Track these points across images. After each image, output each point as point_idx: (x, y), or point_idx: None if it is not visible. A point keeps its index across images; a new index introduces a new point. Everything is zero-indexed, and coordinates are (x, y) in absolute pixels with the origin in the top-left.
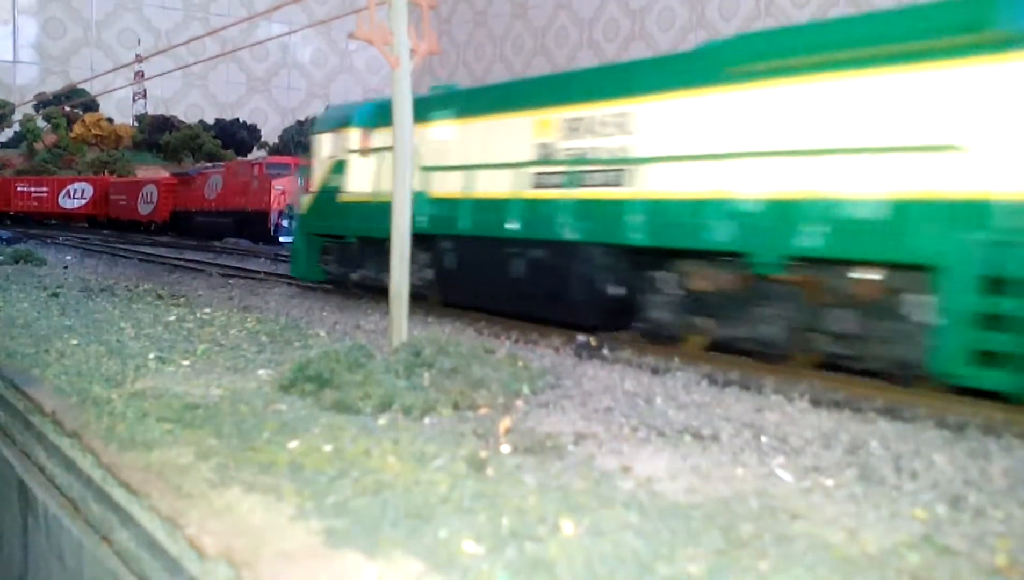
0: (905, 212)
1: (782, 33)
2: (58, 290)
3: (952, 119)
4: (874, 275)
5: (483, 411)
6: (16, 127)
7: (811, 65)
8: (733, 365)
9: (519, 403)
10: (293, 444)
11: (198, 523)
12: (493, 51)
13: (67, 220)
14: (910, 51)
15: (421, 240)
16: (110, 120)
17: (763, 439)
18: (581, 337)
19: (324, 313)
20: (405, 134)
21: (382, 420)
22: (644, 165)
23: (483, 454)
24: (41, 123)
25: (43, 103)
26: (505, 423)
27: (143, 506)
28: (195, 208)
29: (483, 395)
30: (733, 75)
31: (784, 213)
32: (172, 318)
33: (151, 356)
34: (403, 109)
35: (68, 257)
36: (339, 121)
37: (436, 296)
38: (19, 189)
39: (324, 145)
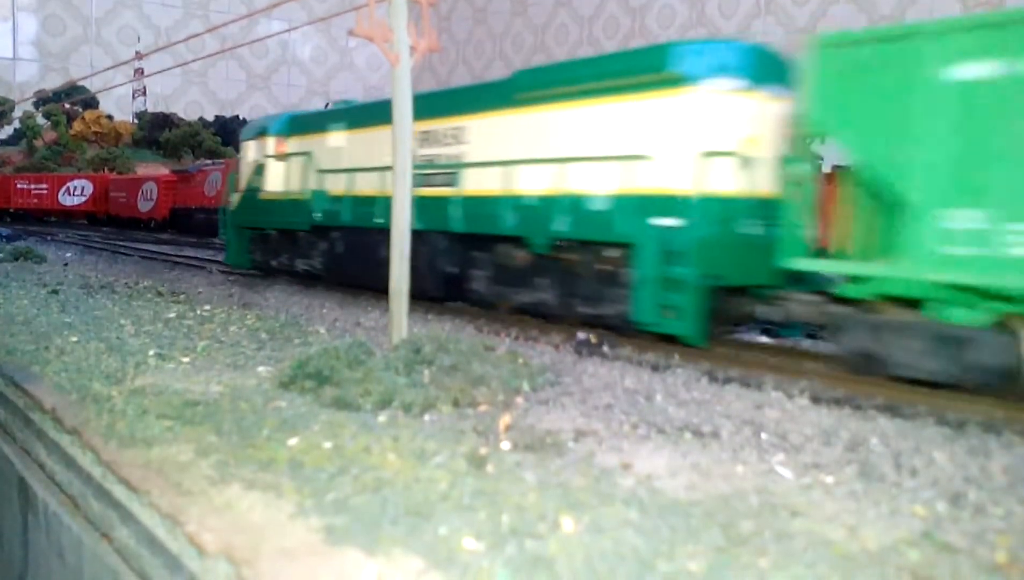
0: (616, 204)
1: (546, 69)
2: (58, 287)
3: (643, 136)
4: (607, 252)
5: (483, 408)
6: (16, 124)
7: (562, 95)
8: (733, 362)
9: (519, 400)
10: (293, 441)
11: (198, 520)
12: (493, 48)
13: (67, 217)
14: (617, 86)
15: (317, 231)
16: (110, 117)
17: (763, 436)
18: (581, 334)
19: (324, 310)
20: (405, 133)
21: (382, 417)
22: (466, 169)
23: (483, 451)
24: (41, 120)
25: (43, 100)
26: (505, 420)
27: (143, 503)
28: (195, 205)
29: (483, 392)
30: (518, 100)
31: (548, 206)
32: (172, 315)
33: (151, 353)
34: (403, 107)
35: (68, 254)
36: (259, 130)
37: (328, 278)
38: (19, 186)
39: (248, 151)
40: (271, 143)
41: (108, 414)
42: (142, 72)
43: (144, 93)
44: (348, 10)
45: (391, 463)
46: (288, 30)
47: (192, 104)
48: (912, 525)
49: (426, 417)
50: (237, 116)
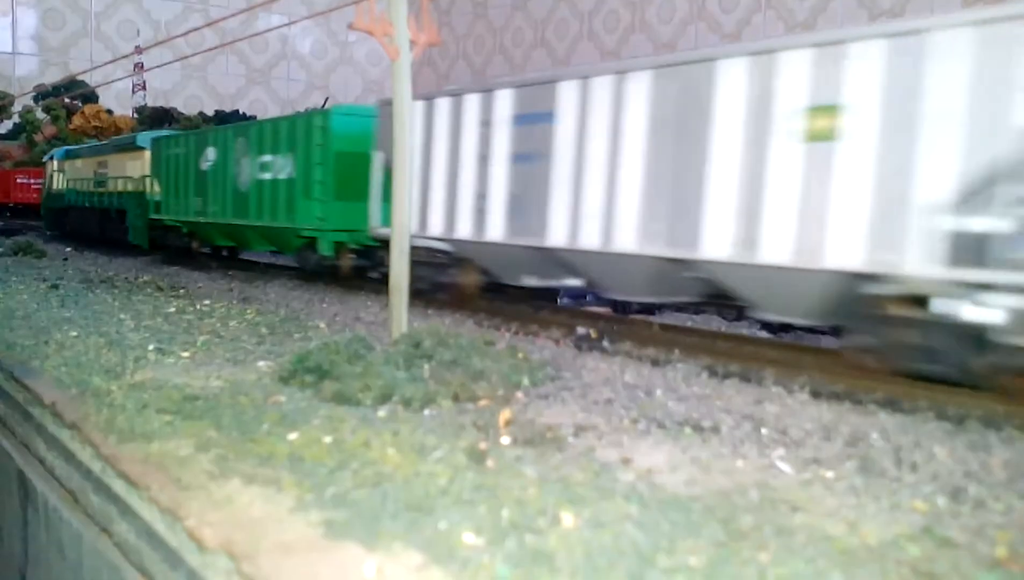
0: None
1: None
2: (58, 282)
3: (135, 169)
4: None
5: (483, 403)
6: (15, 119)
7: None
8: (733, 357)
9: (519, 395)
10: (293, 436)
11: (198, 515)
12: (493, 43)
13: None
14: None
15: (69, 208)
16: (110, 112)
17: (763, 431)
18: (581, 329)
19: (324, 304)
20: (405, 129)
21: (382, 412)
22: (108, 180)
23: (483, 446)
24: (40, 114)
25: (42, 94)
26: (505, 415)
27: (143, 498)
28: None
29: (483, 387)
30: (120, 149)
31: (118, 196)
32: (172, 310)
33: (151, 348)
34: (403, 102)
35: (68, 249)
36: (50, 156)
37: (72, 230)
38: (19, 181)
39: (48, 166)
40: (56, 163)
41: (108, 409)
42: (142, 66)
43: (144, 87)
44: (348, 3)
45: (391, 458)
46: (288, 24)
47: (192, 99)
48: (912, 520)
49: (426, 412)
50: (237, 111)
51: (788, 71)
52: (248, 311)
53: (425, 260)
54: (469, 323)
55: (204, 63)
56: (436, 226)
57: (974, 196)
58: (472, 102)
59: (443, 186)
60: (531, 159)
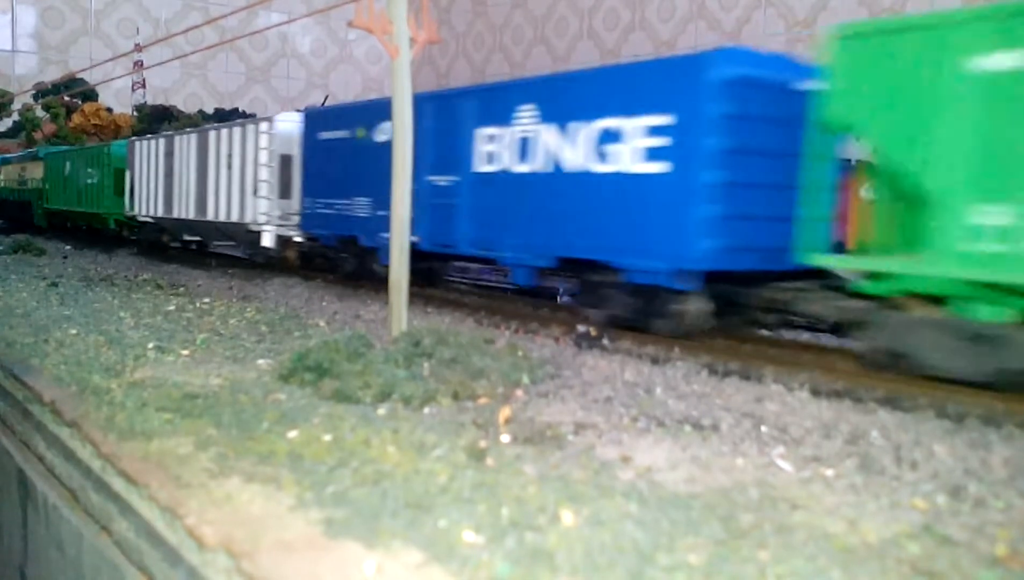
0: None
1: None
2: (57, 280)
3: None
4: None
5: (483, 401)
6: (15, 117)
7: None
8: (733, 355)
9: (519, 393)
10: (292, 434)
11: (197, 513)
12: (493, 41)
13: None
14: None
15: (3, 202)
16: (109, 110)
17: (763, 429)
18: (581, 327)
19: (324, 303)
20: (405, 126)
21: (382, 410)
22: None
23: (483, 444)
24: (40, 113)
25: (42, 92)
26: (505, 413)
27: (142, 496)
28: None
29: (483, 385)
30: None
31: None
32: (171, 308)
33: (150, 346)
34: (403, 99)
35: (67, 246)
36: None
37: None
38: None
39: None
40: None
41: (107, 407)
42: (141, 64)
43: (143, 86)
44: (348, 1)
45: (391, 456)
46: (287, 22)
47: (192, 97)
48: (912, 518)
49: (426, 410)
50: (237, 109)
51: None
52: (248, 309)
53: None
54: (469, 321)
55: (204, 61)
56: (152, 209)
57: None
58: (155, 141)
59: (153, 188)
60: (172, 174)
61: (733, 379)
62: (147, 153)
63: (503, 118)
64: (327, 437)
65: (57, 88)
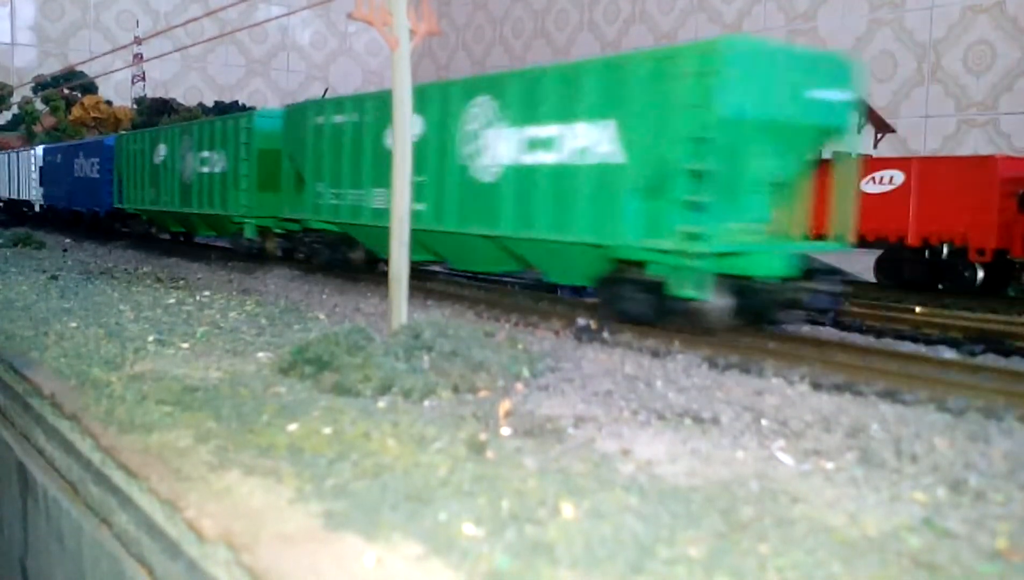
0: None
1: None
2: (57, 273)
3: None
4: None
5: (483, 394)
6: (14, 109)
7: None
8: (733, 348)
9: (519, 386)
10: (292, 427)
11: (197, 506)
12: (493, 33)
13: None
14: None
15: None
16: (109, 103)
17: (763, 422)
18: (581, 320)
19: (324, 296)
20: (404, 119)
21: (382, 403)
22: None
23: (483, 437)
24: (39, 105)
25: (41, 85)
26: (505, 406)
27: (142, 489)
28: None
29: (483, 378)
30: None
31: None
32: (171, 301)
33: (150, 339)
34: (403, 91)
35: (67, 240)
36: None
37: None
38: None
39: None
40: None
41: (107, 400)
42: (141, 57)
43: (143, 78)
44: None
45: (391, 449)
46: (287, 14)
47: (191, 89)
48: (912, 511)
49: (426, 403)
50: (236, 101)
51: None
52: (247, 302)
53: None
54: (469, 314)
55: (204, 53)
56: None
57: None
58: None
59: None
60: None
61: (733, 372)
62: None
63: None
64: (327, 430)
65: (56, 81)
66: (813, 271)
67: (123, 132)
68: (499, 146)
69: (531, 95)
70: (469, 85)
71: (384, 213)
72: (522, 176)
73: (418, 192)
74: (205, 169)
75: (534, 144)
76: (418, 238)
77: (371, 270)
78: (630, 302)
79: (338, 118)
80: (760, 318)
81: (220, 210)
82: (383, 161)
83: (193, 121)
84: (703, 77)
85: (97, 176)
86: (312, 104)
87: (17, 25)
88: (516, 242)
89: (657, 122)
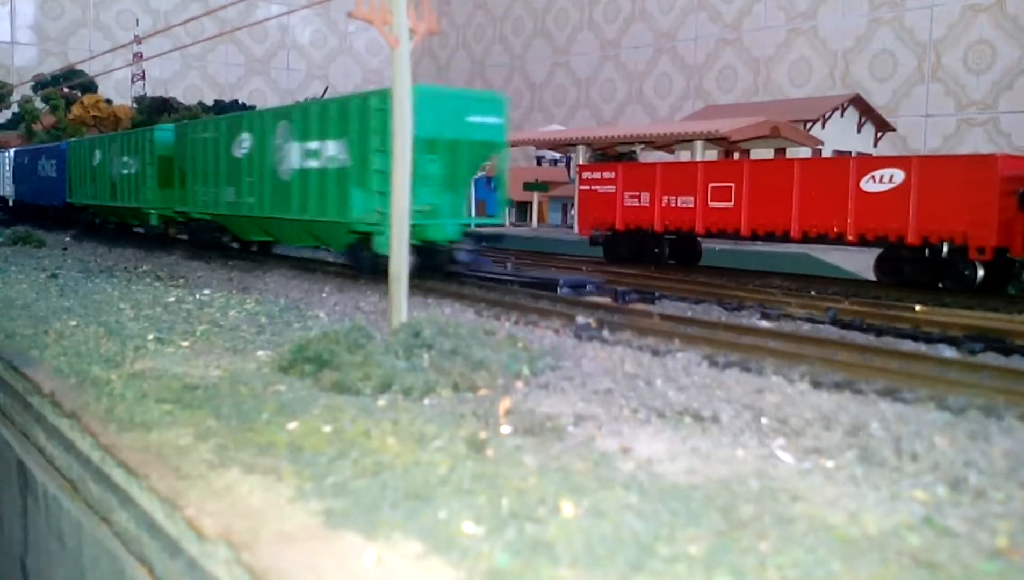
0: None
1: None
2: (57, 271)
3: None
4: None
5: (483, 392)
6: (14, 108)
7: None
8: (733, 347)
9: (519, 384)
10: (292, 425)
11: (197, 504)
12: (493, 32)
13: None
14: None
15: None
16: (109, 102)
17: (763, 420)
18: (581, 318)
19: (324, 294)
20: (405, 117)
21: (382, 401)
22: None
23: (483, 435)
24: (39, 104)
25: (41, 84)
26: (505, 404)
27: (142, 487)
28: None
29: (483, 376)
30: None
31: None
32: (171, 299)
33: (150, 337)
34: (403, 90)
35: (67, 238)
36: None
37: None
38: None
39: None
40: None
41: (107, 398)
42: (141, 56)
43: (143, 77)
44: None
45: (391, 447)
46: (287, 13)
47: (191, 88)
48: (912, 509)
49: (426, 401)
50: (236, 100)
51: None
52: (247, 300)
53: None
54: (469, 313)
55: (203, 53)
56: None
57: None
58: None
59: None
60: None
61: (733, 370)
62: None
63: None
64: (327, 428)
65: (56, 80)
66: (467, 237)
67: (73, 139)
68: (292, 155)
69: (306, 121)
70: (278, 113)
71: (234, 205)
72: (303, 176)
73: (249, 189)
74: (125, 171)
75: (308, 153)
76: (255, 223)
77: (246, 251)
78: (360, 260)
79: (205, 134)
80: (437, 268)
81: (135, 203)
82: (231, 167)
83: (117, 133)
84: (384, 112)
85: (55, 175)
86: (190, 124)
87: (17, 24)
88: (304, 223)
89: (362, 139)
